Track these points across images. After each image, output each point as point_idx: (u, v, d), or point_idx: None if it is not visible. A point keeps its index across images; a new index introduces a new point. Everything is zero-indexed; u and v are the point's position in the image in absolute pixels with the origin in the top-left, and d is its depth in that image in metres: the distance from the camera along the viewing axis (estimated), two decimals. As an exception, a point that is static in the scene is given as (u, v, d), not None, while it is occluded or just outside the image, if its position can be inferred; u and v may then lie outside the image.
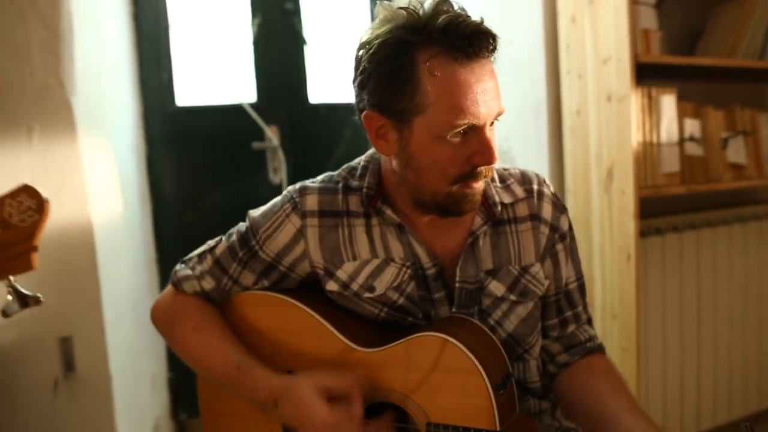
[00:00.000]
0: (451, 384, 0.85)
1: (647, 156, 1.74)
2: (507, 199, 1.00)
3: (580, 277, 1.06)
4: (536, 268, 0.99)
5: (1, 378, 1.47)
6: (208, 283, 1.00)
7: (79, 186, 1.51)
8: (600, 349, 1.05)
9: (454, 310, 0.96)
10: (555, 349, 1.04)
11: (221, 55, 2.31)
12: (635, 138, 1.69)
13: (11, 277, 0.56)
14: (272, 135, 2.36)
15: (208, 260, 1.01)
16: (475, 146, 0.86)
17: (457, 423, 0.84)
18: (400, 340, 0.89)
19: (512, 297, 0.97)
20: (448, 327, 0.91)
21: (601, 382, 0.99)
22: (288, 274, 0.99)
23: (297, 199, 0.98)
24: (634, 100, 1.68)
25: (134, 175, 2.00)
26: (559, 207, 1.04)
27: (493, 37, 0.84)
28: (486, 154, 0.86)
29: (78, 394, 1.51)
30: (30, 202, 0.55)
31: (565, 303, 1.04)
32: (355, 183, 0.98)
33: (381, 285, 0.95)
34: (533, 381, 1.03)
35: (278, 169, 2.43)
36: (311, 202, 0.97)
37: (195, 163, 2.27)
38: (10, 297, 0.60)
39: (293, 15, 2.37)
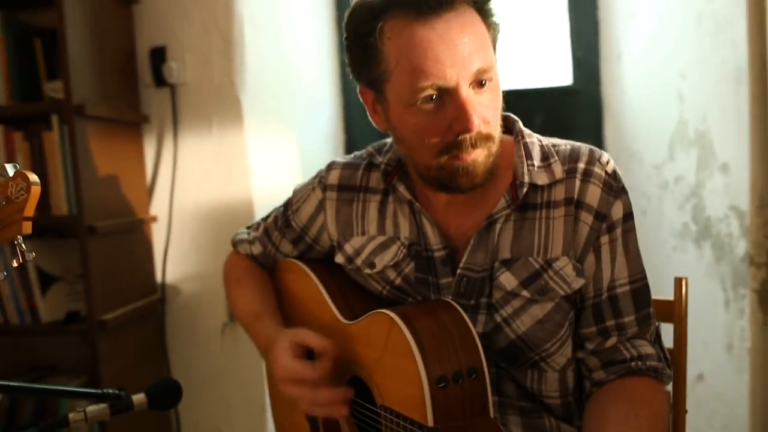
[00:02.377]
0: (395, 367, 0.83)
1: None
2: (542, 180, 0.87)
3: (636, 280, 0.87)
4: (562, 263, 0.85)
5: (188, 318, 1.86)
6: (256, 248, 1.11)
7: (244, 167, 1.81)
8: (650, 372, 0.84)
9: (450, 297, 0.90)
10: (592, 363, 0.88)
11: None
12: None
13: (19, 237, 0.77)
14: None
15: (261, 228, 1.12)
16: (452, 111, 0.78)
17: (399, 409, 0.81)
18: (364, 315, 0.88)
19: (525, 293, 0.86)
20: (414, 308, 0.87)
21: (619, 406, 0.81)
22: (313, 246, 1.06)
23: (323, 173, 1.04)
24: None
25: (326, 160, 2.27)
26: (614, 190, 0.87)
27: None
28: (462, 119, 0.78)
29: (239, 340, 1.82)
30: (23, 184, 0.75)
31: (608, 309, 0.87)
32: (379, 159, 0.98)
33: (381, 262, 0.95)
34: (550, 396, 0.90)
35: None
36: (333, 177, 1.02)
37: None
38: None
39: (479, 2, 2.35)
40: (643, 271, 0.88)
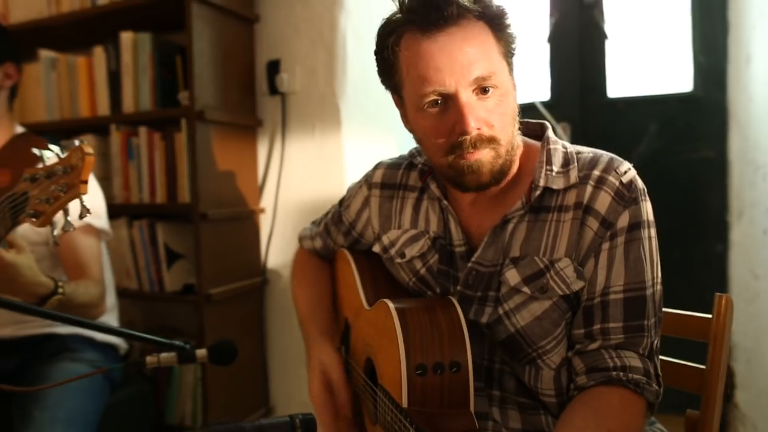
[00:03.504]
0: (387, 350, 0.92)
1: None
2: (558, 185, 0.92)
3: (632, 290, 0.88)
4: (563, 264, 0.90)
5: (285, 301, 2.08)
6: (318, 243, 1.26)
7: (340, 167, 1.99)
8: (630, 384, 0.84)
9: (459, 288, 0.97)
10: (578, 366, 0.90)
11: (522, 55, 2.45)
12: None
13: (82, 196, 0.99)
14: (563, 132, 2.38)
15: (321, 224, 1.26)
16: (453, 115, 0.86)
17: (387, 389, 0.90)
18: (376, 302, 0.99)
19: (526, 290, 0.91)
20: (413, 301, 0.96)
21: (585, 414, 0.83)
22: (359, 240, 1.18)
23: (370, 173, 1.16)
24: None
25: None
26: (625, 200, 0.89)
27: (457, 3, 0.84)
28: (460, 122, 0.85)
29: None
30: (80, 155, 0.97)
31: (598, 313, 0.88)
32: (417, 160, 1.09)
33: (410, 253, 1.05)
34: (546, 394, 0.94)
35: (566, 166, 2.43)
36: (377, 175, 1.14)
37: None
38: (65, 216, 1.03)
39: (593, 8, 2.32)
40: (644, 282, 0.88)
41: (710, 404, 0.99)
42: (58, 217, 1.04)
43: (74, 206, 1.21)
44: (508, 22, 0.90)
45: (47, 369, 1.46)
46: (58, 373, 1.45)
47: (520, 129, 1.03)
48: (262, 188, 2.13)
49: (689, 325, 1.07)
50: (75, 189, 0.99)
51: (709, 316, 1.02)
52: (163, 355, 1.06)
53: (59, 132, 2.14)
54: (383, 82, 0.97)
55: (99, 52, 2.02)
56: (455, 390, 0.87)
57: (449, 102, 0.86)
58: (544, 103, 2.33)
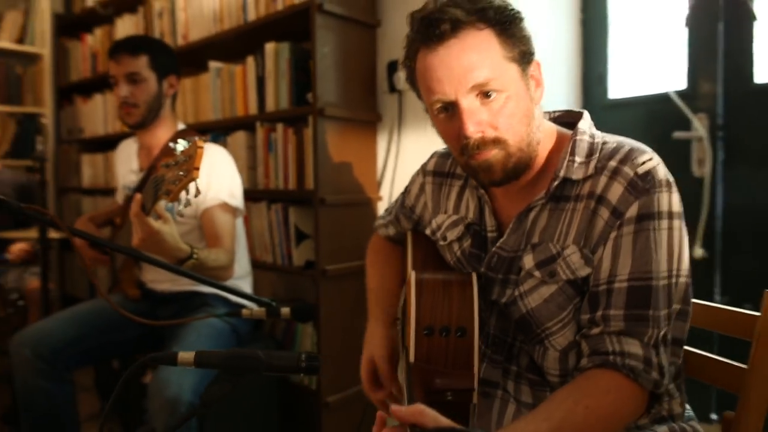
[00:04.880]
0: (409, 315, 1.05)
1: None
2: (577, 175, 0.96)
3: (638, 279, 0.89)
4: (570, 251, 0.95)
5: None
6: (391, 230, 1.39)
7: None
8: (623, 369, 0.85)
9: (483, 269, 1.07)
10: (583, 349, 0.94)
11: (654, 42, 2.33)
12: None
13: (193, 183, 1.26)
14: (699, 124, 2.24)
15: (393, 212, 1.39)
16: (457, 121, 0.94)
17: (408, 347, 1.03)
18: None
19: (537, 274, 0.97)
20: (436, 272, 1.07)
21: (567, 390, 0.86)
22: (419, 223, 1.31)
23: (426, 161, 1.29)
24: None
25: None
26: (637, 190, 0.90)
27: (450, 18, 0.90)
28: (460, 127, 0.94)
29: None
30: (195, 147, 1.24)
31: (603, 300, 0.91)
32: None
33: (450, 236, 1.16)
34: (551, 373, 1.00)
35: (703, 161, 2.27)
36: (431, 164, 1.26)
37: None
38: (186, 194, 1.29)
39: (740, -12, 2.13)
40: (651, 273, 0.88)
41: (747, 406, 0.96)
42: (183, 194, 1.34)
43: (214, 189, 1.53)
44: (517, 26, 0.95)
45: (187, 326, 1.81)
46: (197, 322, 1.79)
47: (556, 120, 1.09)
48: (382, 178, 2.33)
49: (736, 321, 1.02)
50: (191, 173, 1.27)
51: (758, 313, 0.98)
52: (255, 309, 1.29)
53: (220, 129, 2.56)
54: (415, 92, 1.06)
55: (250, 61, 2.38)
56: (459, 353, 0.97)
57: (454, 109, 0.94)
58: (679, 93, 2.20)
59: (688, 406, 1.04)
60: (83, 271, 3.16)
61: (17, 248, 2.59)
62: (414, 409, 0.72)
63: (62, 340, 1.70)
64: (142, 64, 1.86)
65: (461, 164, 1.01)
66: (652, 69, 2.31)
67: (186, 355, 0.88)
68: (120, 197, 2.12)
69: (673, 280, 0.90)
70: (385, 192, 2.31)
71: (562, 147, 1.01)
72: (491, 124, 0.94)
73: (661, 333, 0.88)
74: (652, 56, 2.30)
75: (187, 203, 1.28)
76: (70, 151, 3.64)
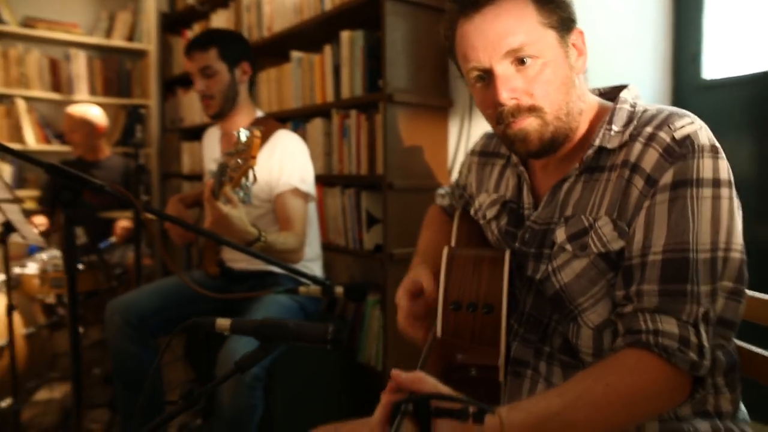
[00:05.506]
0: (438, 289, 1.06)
1: None
2: (612, 144, 0.93)
3: (674, 250, 0.83)
4: (602, 222, 0.91)
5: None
6: (446, 201, 1.41)
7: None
8: (656, 348, 0.79)
9: (517, 244, 1.05)
10: (619, 328, 0.89)
11: (754, 17, 2.14)
12: None
13: (253, 167, 1.34)
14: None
15: (450, 188, 1.42)
16: (492, 88, 0.93)
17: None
18: None
19: (569, 247, 0.94)
20: (469, 248, 1.08)
21: (591, 368, 0.83)
22: (468, 201, 1.32)
23: (475, 142, 1.29)
24: None
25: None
26: (673, 156, 0.85)
27: None
28: (494, 94, 0.92)
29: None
30: (252, 137, 1.32)
31: (637, 275, 0.86)
32: None
33: (489, 215, 1.16)
34: (585, 352, 0.97)
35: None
36: (478, 144, 1.27)
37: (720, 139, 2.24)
38: (245, 180, 1.37)
39: None
40: (688, 244, 0.82)
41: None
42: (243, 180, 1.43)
43: (287, 174, 1.62)
44: None
45: (256, 302, 1.92)
46: (268, 299, 1.89)
47: (605, 95, 1.05)
48: (453, 163, 2.32)
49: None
50: (249, 161, 1.36)
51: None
52: (312, 287, 1.35)
53: (300, 116, 2.67)
54: (455, 65, 1.06)
55: (328, 50, 2.46)
56: (485, 330, 0.97)
57: (489, 76, 0.94)
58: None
59: (743, 407, 0.96)
60: (179, 248, 3.42)
61: (120, 227, 2.86)
62: (414, 376, 0.74)
63: (148, 309, 1.87)
64: (212, 56, 1.97)
65: (498, 135, 1.00)
66: (752, 46, 2.12)
67: (223, 322, 0.95)
68: (207, 180, 2.28)
69: (720, 254, 0.84)
70: (456, 177, 2.30)
71: (602, 118, 0.98)
72: (526, 91, 0.93)
73: (701, 310, 0.82)
74: (753, 32, 2.11)
75: (247, 189, 1.36)
76: (172, 139, 3.94)
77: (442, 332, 0.98)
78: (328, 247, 2.40)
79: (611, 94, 1.06)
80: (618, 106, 0.96)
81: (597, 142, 0.94)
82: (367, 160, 2.29)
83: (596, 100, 1.02)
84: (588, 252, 0.92)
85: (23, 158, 1.17)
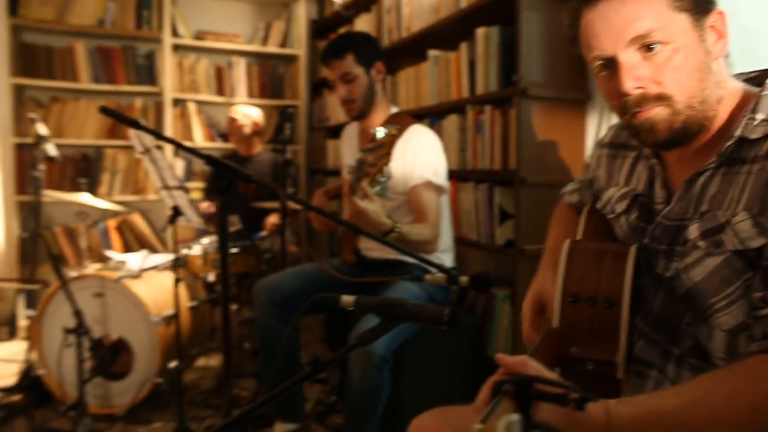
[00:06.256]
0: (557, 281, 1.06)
1: None
2: (756, 134, 0.87)
3: None
4: (740, 218, 0.85)
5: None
6: (574, 198, 1.38)
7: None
8: None
9: (646, 240, 1.02)
10: (754, 332, 0.85)
11: None
12: None
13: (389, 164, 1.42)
14: None
15: (579, 183, 1.39)
16: (616, 78, 0.90)
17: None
18: None
19: (702, 244, 0.90)
20: (592, 242, 1.06)
21: (718, 372, 0.79)
22: (597, 196, 1.29)
23: (604, 133, 1.26)
24: None
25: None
26: None
27: None
28: (618, 84, 0.90)
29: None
30: (389, 135, 1.40)
31: None
32: None
33: (618, 209, 1.13)
34: (716, 356, 0.92)
35: None
36: (607, 136, 1.23)
37: None
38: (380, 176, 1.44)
39: None
40: None
41: None
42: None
43: (420, 168, 1.71)
44: None
45: (393, 283, 2.02)
46: (397, 286, 1.98)
47: (752, 81, 0.99)
48: (590, 159, 2.24)
49: None
50: (384, 159, 1.44)
51: None
52: (437, 275, 1.41)
53: (435, 113, 2.73)
54: (579, 54, 1.03)
55: (463, 47, 2.49)
56: (604, 324, 0.95)
57: (613, 65, 0.91)
58: None
59: None
60: (304, 241, 3.66)
61: (270, 222, 3.14)
62: (518, 359, 0.75)
63: (290, 290, 2.04)
64: (349, 63, 2.08)
65: (625, 125, 0.97)
66: None
67: (347, 298, 1.03)
68: (345, 174, 2.43)
69: None
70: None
71: (746, 106, 0.91)
72: (654, 79, 0.89)
73: None
74: None
75: (383, 184, 1.45)
76: (318, 137, 4.21)
77: (560, 324, 0.98)
78: (460, 242, 2.44)
79: (759, 79, 0.99)
80: (764, 92, 0.89)
81: (738, 133, 0.87)
82: (500, 155, 2.29)
83: (740, 87, 0.96)
84: (722, 249, 0.87)
85: (189, 151, 1.36)
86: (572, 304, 0.98)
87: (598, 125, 2.20)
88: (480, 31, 2.36)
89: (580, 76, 2.22)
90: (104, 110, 1.32)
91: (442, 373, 2.14)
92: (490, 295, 2.34)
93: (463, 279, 1.33)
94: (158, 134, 1.35)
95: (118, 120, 1.30)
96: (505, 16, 2.24)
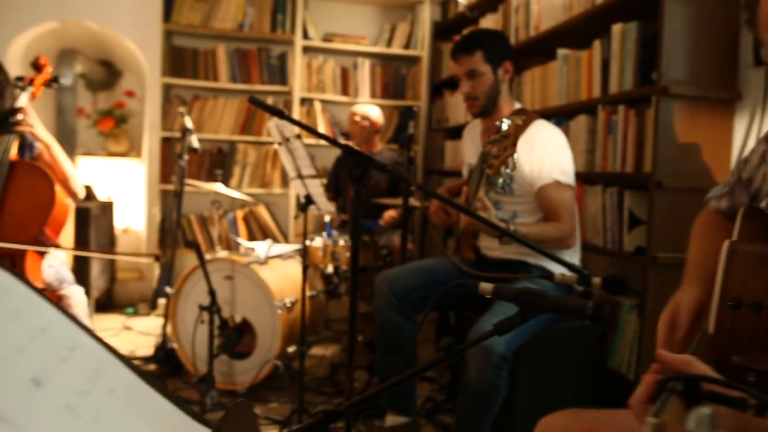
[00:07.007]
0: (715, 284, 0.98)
1: None
2: None
3: None
4: None
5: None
6: (723, 203, 1.29)
7: None
8: None
9: None
10: None
11: None
12: None
13: (511, 158, 1.40)
14: None
15: (728, 185, 1.29)
16: None
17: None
18: None
19: None
20: (757, 245, 0.97)
21: None
22: (756, 197, 1.19)
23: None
24: None
25: None
26: None
27: None
28: None
29: None
30: (514, 126, 1.37)
31: None
32: None
33: None
34: None
35: None
36: None
37: None
38: (505, 168, 1.42)
39: None
40: None
41: None
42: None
43: (547, 168, 1.69)
44: None
45: (511, 283, 1.98)
46: (521, 285, 1.94)
47: None
48: (737, 165, 2.07)
49: None
50: (509, 149, 1.42)
51: None
52: (567, 274, 1.37)
53: (562, 114, 2.65)
54: (754, 35, 0.98)
55: (597, 45, 2.39)
56: (757, 330, 0.87)
57: None
58: None
59: None
60: (435, 236, 3.66)
61: (388, 215, 3.19)
62: (683, 357, 0.71)
63: (410, 284, 2.07)
64: (477, 59, 2.07)
65: None
66: None
67: (486, 285, 1.02)
68: (465, 172, 2.42)
69: None
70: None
71: None
72: None
73: None
74: None
75: (507, 177, 1.43)
76: (437, 138, 4.23)
77: (716, 329, 0.91)
78: (584, 247, 2.34)
79: None
80: None
81: None
82: (633, 158, 2.17)
83: None
84: None
85: (331, 141, 1.42)
86: (732, 310, 0.90)
87: (747, 127, 2.03)
88: (616, 28, 2.25)
89: (729, 74, 2.05)
90: (253, 100, 1.41)
91: (559, 381, 2.07)
92: (615, 304, 2.22)
93: (596, 280, 1.28)
94: (302, 124, 1.42)
95: (266, 110, 1.38)
96: (644, 11, 2.13)
